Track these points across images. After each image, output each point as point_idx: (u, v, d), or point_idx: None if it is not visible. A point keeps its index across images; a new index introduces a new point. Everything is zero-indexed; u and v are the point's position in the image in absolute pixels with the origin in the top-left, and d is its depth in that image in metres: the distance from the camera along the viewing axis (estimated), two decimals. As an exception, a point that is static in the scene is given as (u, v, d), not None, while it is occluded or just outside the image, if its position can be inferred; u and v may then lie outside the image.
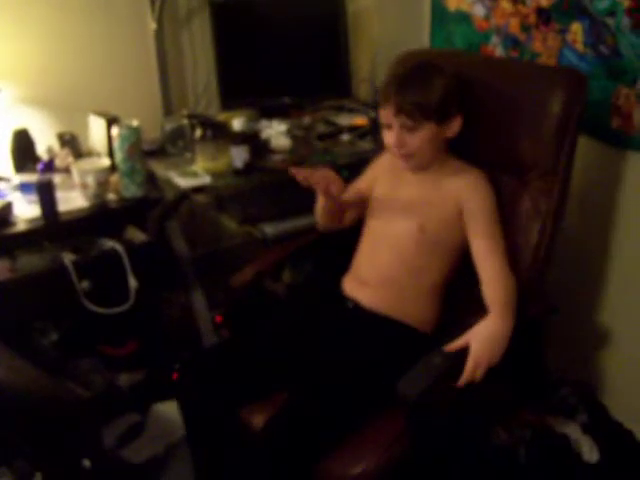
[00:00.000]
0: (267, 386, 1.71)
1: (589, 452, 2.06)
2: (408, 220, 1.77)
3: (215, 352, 1.93)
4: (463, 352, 1.51)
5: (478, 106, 1.80)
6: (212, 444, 1.73)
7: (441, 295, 1.81)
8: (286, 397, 1.64)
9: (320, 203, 1.87)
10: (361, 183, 1.95)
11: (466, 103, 1.74)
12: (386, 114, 1.70)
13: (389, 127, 1.71)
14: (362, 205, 1.92)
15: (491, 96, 1.81)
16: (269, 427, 1.60)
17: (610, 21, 1.90)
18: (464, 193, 1.73)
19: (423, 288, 1.78)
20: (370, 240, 1.87)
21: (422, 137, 1.68)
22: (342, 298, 1.85)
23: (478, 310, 1.63)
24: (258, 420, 1.65)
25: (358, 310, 1.80)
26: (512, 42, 2.24)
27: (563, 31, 2.05)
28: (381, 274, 1.80)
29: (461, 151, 1.82)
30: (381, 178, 1.90)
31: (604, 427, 2.15)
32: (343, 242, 1.98)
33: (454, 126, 1.72)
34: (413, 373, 1.45)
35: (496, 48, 2.31)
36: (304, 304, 1.95)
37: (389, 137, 1.72)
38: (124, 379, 2.34)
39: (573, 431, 2.11)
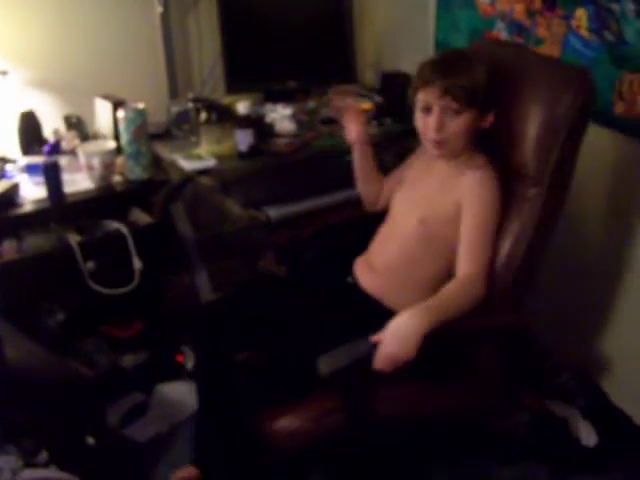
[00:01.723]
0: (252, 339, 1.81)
1: (588, 436, 2.08)
2: (413, 211, 1.77)
3: (222, 304, 2.00)
4: None
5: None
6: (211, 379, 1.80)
7: (438, 289, 1.77)
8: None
9: (354, 155, 1.97)
10: (400, 169, 1.98)
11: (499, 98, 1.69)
12: (427, 96, 1.65)
13: (427, 110, 1.67)
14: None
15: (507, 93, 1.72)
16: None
17: (615, 7, 1.90)
18: (463, 191, 1.69)
19: (420, 280, 1.76)
20: (386, 227, 1.89)
21: (462, 123, 1.64)
22: (346, 274, 1.88)
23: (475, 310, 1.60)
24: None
25: (355, 288, 1.83)
26: (517, 28, 2.24)
27: (568, 17, 2.05)
28: (383, 261, 1.82)
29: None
30: (411, 167, 1.92)
31: (603, 412, 2.16)
32: (360, 229, 2.00)
33: (489, 118, 1.69)
34: (334, 352, 1.47)
35: (500, 34, 2.31)
36: (305, 277, 2.01)
37: (427, 120, 1.68)
38: (128, 359, 2.36)
39: (572, 416, 2.13)
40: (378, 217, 1.92)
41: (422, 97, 1.68)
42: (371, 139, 1.98)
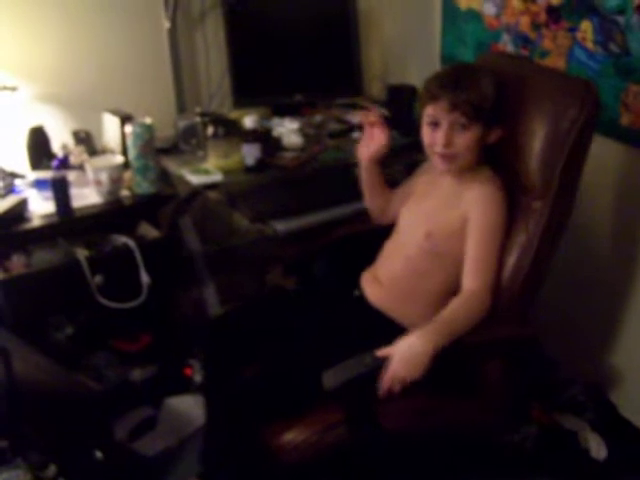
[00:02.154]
0: (259, 353, 1.80)
1: (597, 449, 2.06)
2: (419, 225, 1.77)
3: (229, 317, 2.00)
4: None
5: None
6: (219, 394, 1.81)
7: (444, 303, 1.73)
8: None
9: (362, 170, 1.95)
10: (407, 183, 1.98)
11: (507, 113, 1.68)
12: (435, 111, 1.65)
13: (435, 125, 1.66)
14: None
15: (513, 107, 1.71)
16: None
17: (620, 19, 1.91)
18: (468, 206, 1.69)
19: (426, 294, 1.75)
20: (392, 241, 1.89)
21: (470, 137, 1.64)
22: (353, 287, 1.88)
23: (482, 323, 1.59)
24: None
25: (361, 301, 1.83)
26: (522, 40, 2.25)
27: (573, 29, 2.05)
28: (389, 275, 1.82)
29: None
30: (417, 182, 1.92)
31: (613, 425, 2.15)
32: (367, 242, 2.00)
33: (495, 134, 1.68)
34: (339, 366, 1.45)
35: (506, 46, 2.32)
36: (312, 291, 2.01)
37: (435, 135, 1.67)
38: (137, 373, 2.36)
39: (581, 428, 2.12)
40: (385, 231, 1.92)
41: (430, 112, 1.67)
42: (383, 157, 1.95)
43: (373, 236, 1.99)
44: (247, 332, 1.85)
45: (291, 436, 1.57)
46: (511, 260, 1.66)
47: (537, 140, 1.63)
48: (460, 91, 1.61)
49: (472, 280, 1.64)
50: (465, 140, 1.64)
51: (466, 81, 1.63)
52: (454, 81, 1.63)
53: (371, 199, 2.01)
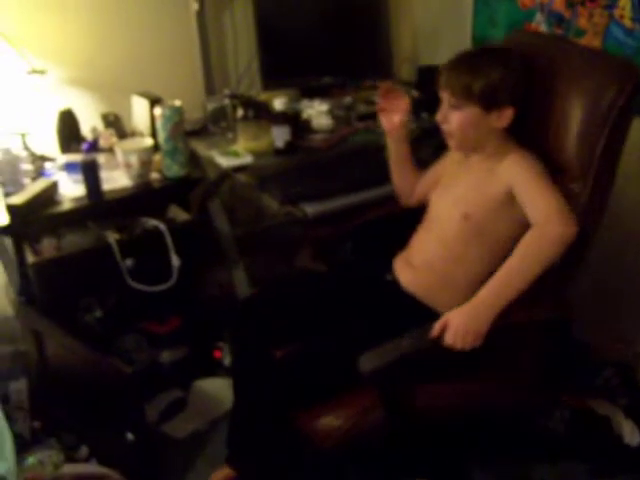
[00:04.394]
0: (292, 334, 1.82)
1: (630, 435, 2.04)
2: (455, 207, 1.74)
3: (258, 300, 2.00)
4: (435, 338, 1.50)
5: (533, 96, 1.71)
6: (248, 375, 1.83)
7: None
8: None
9: (390, 145, 1.96)
10: (435, 167, 1.97)
11: (526, 97, 1.66)
12: (439, 89, 1.71)
13: (442, 102, 1.72)
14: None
15: (545, 86, 1.70)
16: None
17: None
18: (505, 175, 1.66)
19: (464, 277, 1.73)
20: (425, 224, 1.87)
21: (463, 118, 1.66)
22: (385, 271, 1.86)
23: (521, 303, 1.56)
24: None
25: (394, 286, 1.80)
26: (556, 19, 2.20)
27: (610, 7, 2.01)
28: (424, 258, 1.79)
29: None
30: (445, 165, 1.91)
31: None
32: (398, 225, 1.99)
33: (504, 117, 1.66)
34: (376, 350, 1.45)
35: (540, 26, 2.27)
36: (343, 273, 1.99)
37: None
38: (167, 356, 2.37)
39: (615, 413, 2.10)
40: (415, 214, 1.90)
41: (438, 89, 1.73)
42: (408, 129, 1.97)
43: (404, 219, 1.97)
44: (277, 314, 1.85)
45: (326, 421, 1.57)
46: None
47: (574, 119, 1.60)
48: (454, 70, 1.67)
49: (539, 212, 1.58)
50: (457, 119, 1.68)
51: (470, 62, 1.67)
52: (457, 61, 1.69)
53: (399, 177, 2.00)
